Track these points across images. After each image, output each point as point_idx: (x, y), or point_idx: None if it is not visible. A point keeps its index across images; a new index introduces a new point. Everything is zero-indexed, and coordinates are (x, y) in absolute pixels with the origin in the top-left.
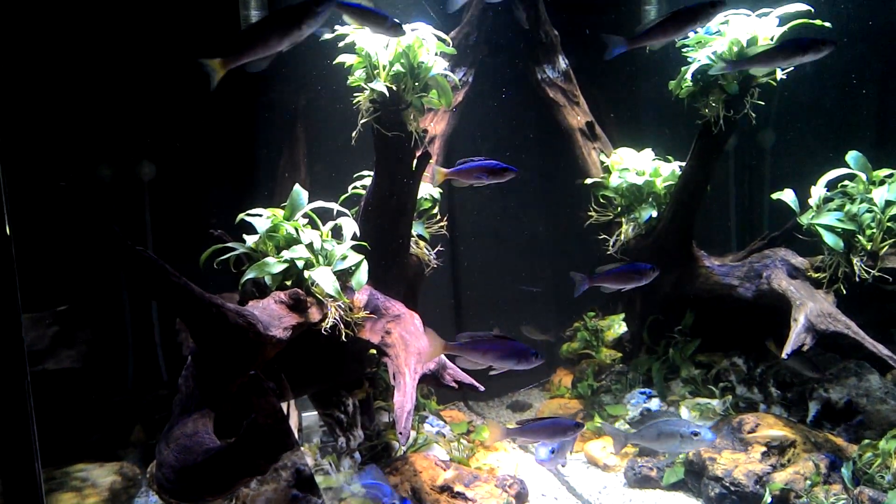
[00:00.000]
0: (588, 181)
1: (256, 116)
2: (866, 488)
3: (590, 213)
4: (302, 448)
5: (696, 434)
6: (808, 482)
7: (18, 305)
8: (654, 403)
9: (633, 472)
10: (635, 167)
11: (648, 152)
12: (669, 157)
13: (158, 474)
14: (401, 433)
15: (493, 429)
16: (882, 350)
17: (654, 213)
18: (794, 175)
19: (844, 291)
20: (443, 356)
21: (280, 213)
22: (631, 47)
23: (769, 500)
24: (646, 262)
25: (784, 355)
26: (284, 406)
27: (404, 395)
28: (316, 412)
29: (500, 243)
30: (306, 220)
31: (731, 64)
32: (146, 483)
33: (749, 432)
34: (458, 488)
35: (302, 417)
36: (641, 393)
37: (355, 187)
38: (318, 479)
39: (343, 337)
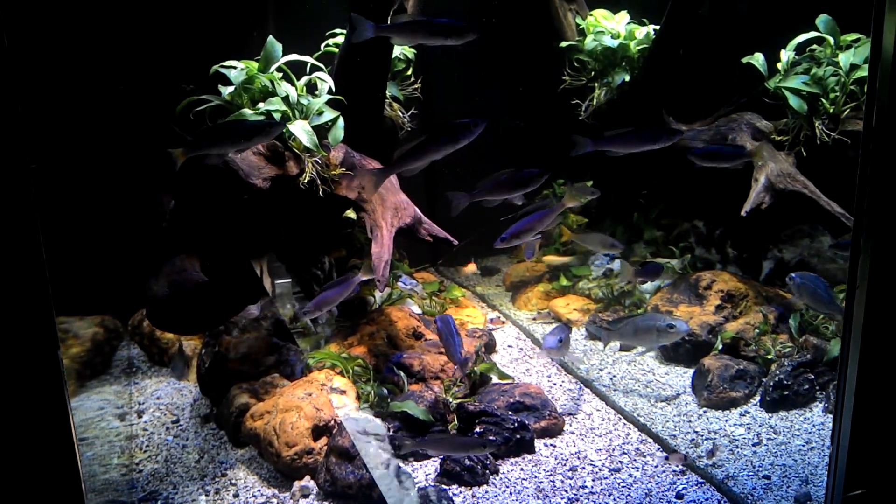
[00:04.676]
0: (563, 44)
1: None
2: (811, 337)
3: (563, 78)
4: None
5: (671, 327)
6: (757, 331)
7: None
8: (617, 264)
9: (594, 326)
10: (610, 30)
11: (624, 15)
12: (645, 20)
13: (150, 308)
14: (378, 281)
15: (625, 269)
16: (836, 208)
17: (627, 78)
18: (767, 40)
19: (804, 154)
20: (418, 210)
21: (255, 65)
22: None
23: (720, 347)
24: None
25: (743, 213)
26: (258, 268)
27: (381, 247)
28: (289, 280)
29: (473, 106)
30: (281, 74)
31: None
32: (127, 337)
33: (705, 288)
34: (431, 337)
35: (276, 284)
36: (605, 255)
37: (328, 45)
38: (298, 340)
39: (321, 192)
